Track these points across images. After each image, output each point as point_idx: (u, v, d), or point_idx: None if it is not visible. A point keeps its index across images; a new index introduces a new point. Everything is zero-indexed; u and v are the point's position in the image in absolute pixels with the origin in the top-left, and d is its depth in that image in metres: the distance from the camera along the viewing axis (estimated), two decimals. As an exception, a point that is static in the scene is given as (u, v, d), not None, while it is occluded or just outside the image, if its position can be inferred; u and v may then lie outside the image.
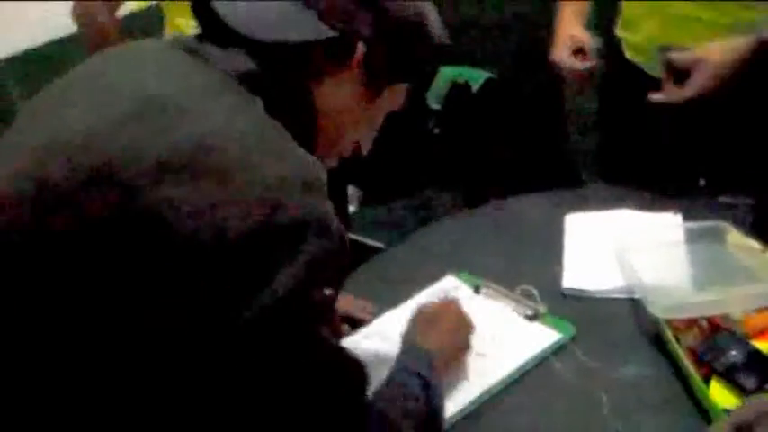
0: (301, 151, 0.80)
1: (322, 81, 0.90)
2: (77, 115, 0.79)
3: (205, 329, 0.72)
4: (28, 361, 0.75)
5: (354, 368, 0.84)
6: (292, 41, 0.86)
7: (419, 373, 0.97)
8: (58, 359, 0.74)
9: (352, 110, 0.94)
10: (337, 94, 0.91)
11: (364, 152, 1.02)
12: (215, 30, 0.88)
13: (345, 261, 0.80)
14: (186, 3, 1.79)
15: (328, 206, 0.77)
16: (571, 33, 1.64)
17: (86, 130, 0.76)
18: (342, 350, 0.83)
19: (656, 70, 1.61)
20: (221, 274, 0.72)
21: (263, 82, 0.84)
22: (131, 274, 0.72)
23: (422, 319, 1.14)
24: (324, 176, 0.79)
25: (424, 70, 1.01)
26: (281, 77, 0.86)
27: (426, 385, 0.96)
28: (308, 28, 0.87)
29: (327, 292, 0.77)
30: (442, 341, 1.09)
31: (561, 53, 1.63)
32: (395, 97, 0.99)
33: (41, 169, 0.75)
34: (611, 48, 1.71)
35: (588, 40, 1.62)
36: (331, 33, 0.87)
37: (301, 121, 0.86)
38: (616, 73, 1.74)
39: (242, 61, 0.84)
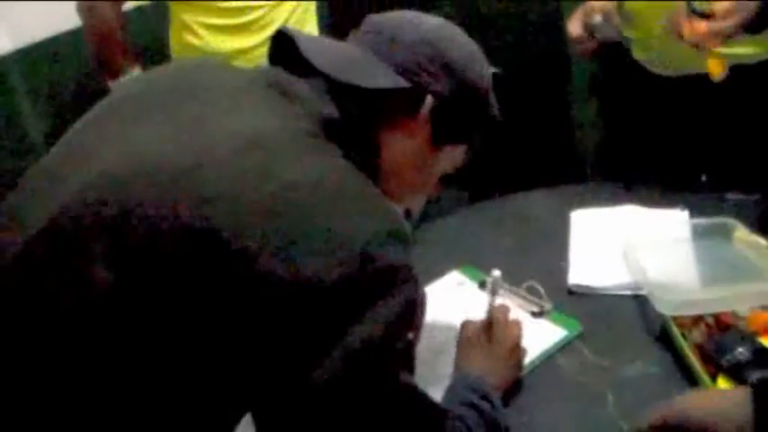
0: (385, 201, 0.83)
1: (390, 130, 0.93)
2: (164, 142, 0.80)
3: (292, 372, 0.74)
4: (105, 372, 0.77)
5: (436, 414, 0.87)
6: (369, 87, 0.89)
7: (473, 404, 0.97)
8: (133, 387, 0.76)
9: (414, 163, 0.97)
10: (403, 146, 0.95)
11: (414, 216, 1.04)
12: (294, 61, 0.92)
13: (424, 306, 0.83)
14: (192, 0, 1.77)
15: (411, 254, 0.80)
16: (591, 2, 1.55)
17: (176, 160, 0.78)
18: (424, 396, 0.85)
19: (657, 66, 1.61)
20: (308, 320, 0.74)
21: (341, 128, 0.87)
22: (222, 310, 0.74)
23: (468, 343, 1.12)
24: (405, 226, 0.82)
25: (479, 135, 1.04)
26: (355, 123, 0.89)
27: (482, 416, 0.96)
28: (383, 77, 0.91)
29: (409, 336, 0.81)
30: (493, 364, 1.07)
31: (573, 19, 1.56)
32: (453, 157, 1.03)
33: (124, 192, 0.76)
34: (614, 45, 1.71)
35: (598, 10, 1.53)
36: (405, 84, 0.92)
37: (368, 170, 0.87)
38: (620, 69, 1.73)
39: (324, 103, 0.88)
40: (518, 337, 1.11)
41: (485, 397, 0.98)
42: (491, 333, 1.11)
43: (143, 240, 0.74)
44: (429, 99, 0.93)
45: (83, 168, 0.80)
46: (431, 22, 0.97)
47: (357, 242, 0.75)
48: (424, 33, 0.95)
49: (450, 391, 1.02)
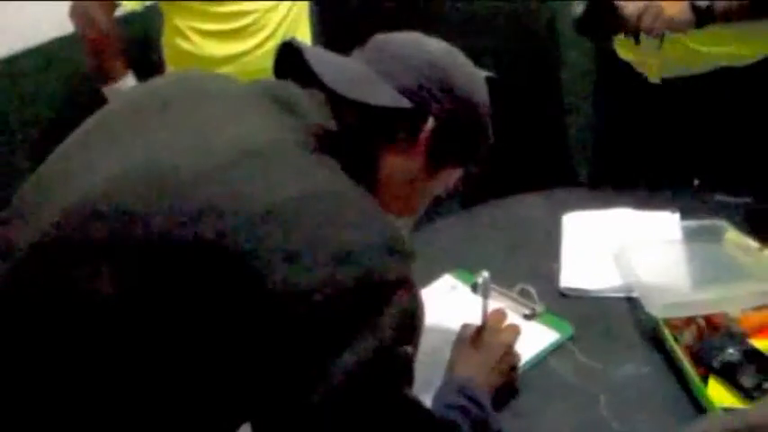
0: (386, 215, 0.83)
1: (389, 149, 0.94)
2: (165, 153, 0.81)
3: (292, 385, 0.75)
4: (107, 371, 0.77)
5: (437, 427, 0.88)
6: (372, 104, 0.90)
7: (461, 406, 0.97)
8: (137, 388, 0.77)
9: (410, 183, 0.97)
10: (400, 165, 0.95)
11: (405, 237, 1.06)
12: (296, 72, 0.93)
13: (422, 320, 0.84)
14: (184, 3, 1.79)
15: (411, 268, 0.81)
16: None
17: (177, 171, 0.78)
18: (425, 409, 0.86)
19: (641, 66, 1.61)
20: (309, 331, 0.74)
21: (339, 142, 0.88)
22: (220, 322, 0.74)
23: (462, 345, 1.12)
24: (407, 240, 0.82)
25: (475, 161, 1.05)
26: (354, 139, 0.90)
27: (469, 418, 0.96)
28: (385, 95, 0.92)
29: (408, 349, 0.80)
30: (483, 367, 1.07)
31: None
32: (448, 179, 1.03)
33: (126, 203, 0.77)
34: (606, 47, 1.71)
35: None
36: (407, 104, 0.92)
37: (363, 186, 0.87)
38: (612, 72, 1.74)
39: (324, 117, 0.88)
40: (511, 342, 1.11)
41: (473, 399, 0.98)
42: (483, 337, 1.11)
43: (145, 252, 0.74)
44: (430, 121, 0.94)
45: (83, 179, 0.81)
46: (436, 46, 0.98)
47: (357, 255, 0.76)
48: (430, 56, 0.95)
49: (440, 392, 1.02)
